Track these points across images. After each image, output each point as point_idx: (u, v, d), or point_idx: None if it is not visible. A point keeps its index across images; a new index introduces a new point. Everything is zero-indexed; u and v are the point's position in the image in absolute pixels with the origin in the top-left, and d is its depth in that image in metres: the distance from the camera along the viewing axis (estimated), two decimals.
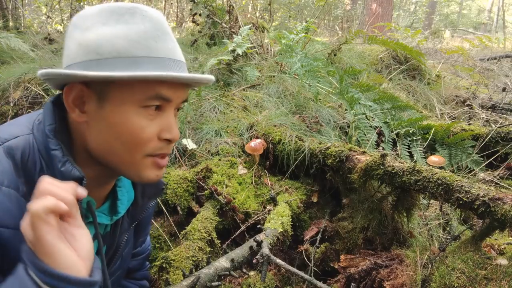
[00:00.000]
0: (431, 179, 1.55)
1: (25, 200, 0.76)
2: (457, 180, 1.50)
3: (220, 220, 1.93)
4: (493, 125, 3.10)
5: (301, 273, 1.43)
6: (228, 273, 1.46)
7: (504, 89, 4.22)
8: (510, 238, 1.93)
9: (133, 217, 1.06)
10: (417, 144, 2.59)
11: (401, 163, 1.72)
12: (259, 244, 1.58)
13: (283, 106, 2.82)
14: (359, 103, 2.65)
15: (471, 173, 2.48)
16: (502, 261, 1.41)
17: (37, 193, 0.66)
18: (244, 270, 1.56)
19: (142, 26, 0.79)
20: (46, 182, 0.67)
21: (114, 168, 0.85)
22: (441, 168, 2.04)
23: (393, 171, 1.69)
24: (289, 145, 2.25)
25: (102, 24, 0.78)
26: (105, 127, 0.80)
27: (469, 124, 3.06)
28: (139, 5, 0.82)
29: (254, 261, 1.54)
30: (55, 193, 0.65)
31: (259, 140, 2.29)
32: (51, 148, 0.79)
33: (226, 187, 2.08)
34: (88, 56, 0.77)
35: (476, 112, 3.62)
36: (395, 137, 2.60)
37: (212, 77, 0.86)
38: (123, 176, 0.92)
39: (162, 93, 0.79)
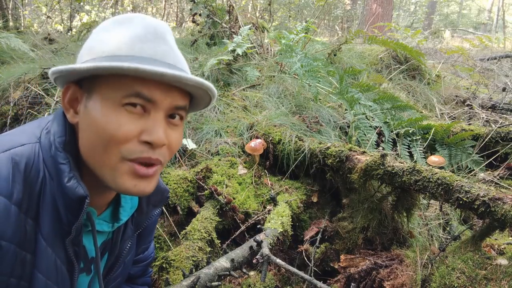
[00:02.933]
0: (431, 179, 1.55)
1: (17, 208, 0.76)
2: (457, 180, 1.50)
3: (220, 220, 1.93)
4: (493, 125, 3.10)
5: (301, 273, 1.43)
6: (228, 273, 1.46)
7: (504, 89, 4.22)
8: (510, 238, 1.93)
9: (137, 224, 1.05)
10: (417, 144, 2.59)
11: (401, 163, 1.72)
12: (259, 244, 1.58)
13: (283, 106, 2.82)
14: (359, 103, 2.65)
15: (471, 173, 2.48)
16: (502, 261, 1.41)
17: None
18: (244, 270, 1.56)
19: (134, 30, 0.80)
20: None
21: (96, 172, 0.81)
22: (441, 168, 2.04)
23: (393, 171, 1.69)
24: (289, 145, 2.25)
25: (104, 31, 0.82)
26: (88, 125, 0.80)
27: (469, 124, 3.07)
28: (140, 14, 0.84)
29: (254, 261, 1.54)
30: None
31: (259, 140, 2.29)
32: (59, 162, 0.79)
33: (226, 187, 2.08)
34: (83, 58, 0.82)
35: (476, 112, 3.62)
36: (395, 137, 2.60)
37: (204, 82, 0.79)
38: (104, 183, 0.82)
39: (142, 91, 0.76)
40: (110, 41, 0.79)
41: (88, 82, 0.80)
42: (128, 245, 1.05)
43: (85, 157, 0.82)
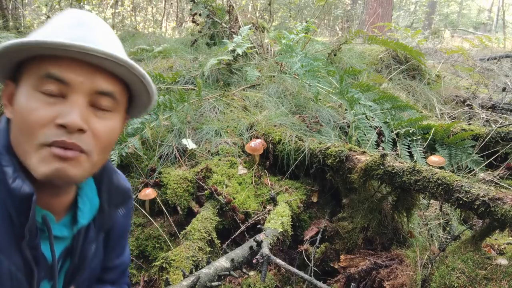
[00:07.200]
0: (431, 179, 1.55)
1: None
2: (457, 180, 1.50)
3: (220, 220, 1.93)
4: (493, 125, 3.10)
5: (301, 273, 1.43)
6: (228, 273, 1.46)
7: (504, 89, 4.22)
8: (510, 238, 1.93)
9: (100, 226, 1.01)
10: (417, 144, 2.59)
11: (401, 163, 1.72)
12: (259, 244, 1.58)
13: (283, 106, 2.82)
14: (359, 103, 2.64)
15: (471, 173, 2.48)
16: (502, 261, 1.41)
17: None
18: (244, 270, 1.56)
19: (57, 22, 0.80)
20: None
21: (26, 165, 0.78)
22: (441, 168, 2.04)
23: (393, 171, 1.69)
24: (289, 145, 2.25)
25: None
26: (13, 116, 0.79)
27: (469, 124, 3.06)
28: (73, 9, 0.85)
29: (254, 261, 1.54)
30: None
31: (259, 140, 2.29)
32: (3, 164, 0.78)
33: (226, 187, 2.08)
34: None
35: (476, 112, 3.62)
36: (395, 137, 2.60)
37: (120, 57, 0.75)
38: (33, 175, 0.79)
39: (52, 72, 0.75)
40: (37, 33, 0.79)
41: (17, 74, 0.80)
42: (93, 248, 1.01)
43: (15, 151, 0.80)
